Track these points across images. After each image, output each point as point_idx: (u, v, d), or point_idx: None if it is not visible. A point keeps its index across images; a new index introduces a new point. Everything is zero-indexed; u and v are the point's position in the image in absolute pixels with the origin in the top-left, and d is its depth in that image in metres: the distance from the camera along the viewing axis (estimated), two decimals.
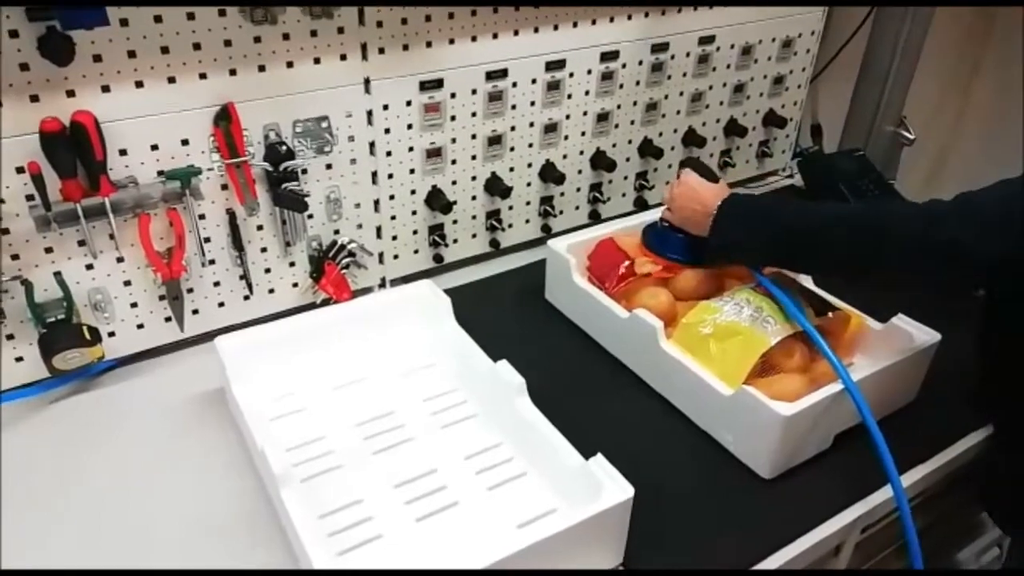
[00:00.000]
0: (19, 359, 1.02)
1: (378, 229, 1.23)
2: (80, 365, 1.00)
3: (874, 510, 0.92)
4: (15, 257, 0.96)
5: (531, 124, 1.29)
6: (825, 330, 1.00)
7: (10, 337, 1.00)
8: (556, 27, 1.23)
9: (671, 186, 1.11)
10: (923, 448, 1.00)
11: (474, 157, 1.26)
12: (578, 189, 1.42)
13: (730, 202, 1.01)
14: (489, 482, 0.91)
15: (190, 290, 1.09)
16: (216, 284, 1.11)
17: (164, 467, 0.93)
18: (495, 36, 1.18)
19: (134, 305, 1.06)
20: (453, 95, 1.19)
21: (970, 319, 0.98)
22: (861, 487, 0.93)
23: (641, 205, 1.51)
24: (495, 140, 1.27)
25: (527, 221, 1.39)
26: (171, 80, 0.96)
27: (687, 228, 1.08)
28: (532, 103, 1.27)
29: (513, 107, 1.25)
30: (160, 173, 1.00)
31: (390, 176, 1.20)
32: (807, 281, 1.12)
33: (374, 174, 1.18)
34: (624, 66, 1.34)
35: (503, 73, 1.21)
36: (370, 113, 1.13)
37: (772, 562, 0.86)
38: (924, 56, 1.59)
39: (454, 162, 1.25)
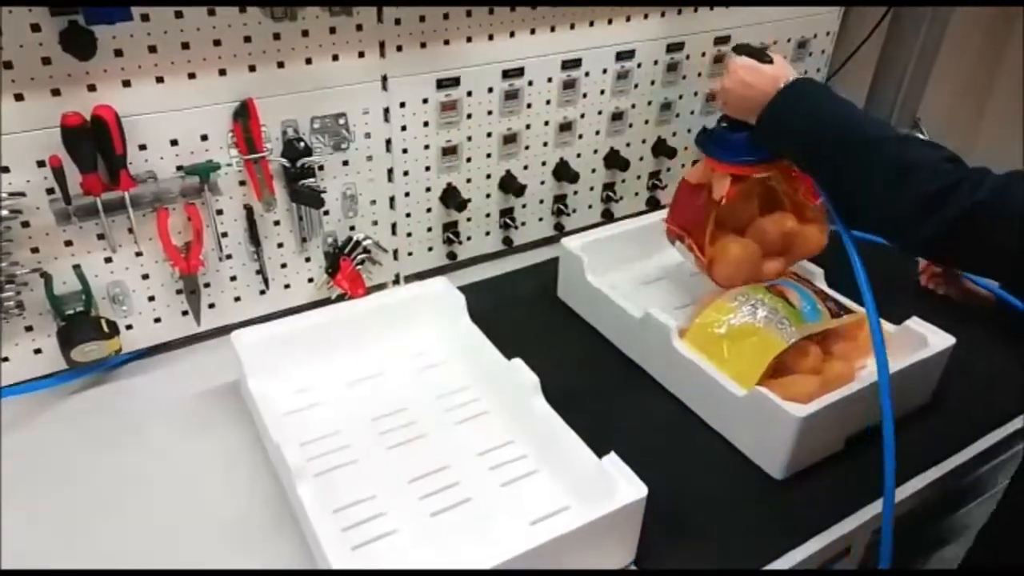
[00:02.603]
0: (38, 351, 1.03)
1: (393, 226, 1.23)
2: (98, 357, 1.01)
3: None
4: (35, 250, 0.97)
5: (546, 123, 1.29)
6: (841, 332, 1.00)
7: (29, 329, 1.01)
8: (573, 26, 1.23)
9: (722, 78, 1.00)
10: (936, 451, 1.00)
11: (489, 155, 1.27)
12: (591, 188, 1.42)
13: (795, 85, 0.90)
14: (502, 478, 0.91)
15: (207, 284, 1.10)
16: (232, 279, 1.12)
17: (179, 460, 0.94)
18: (512, 35, 1.18)
19: (151, 299, 1.07)
20: (470, 93, 1.19)
21: (986, 324, 0.98)
22: (873, 489, 0.92)
23: (654, 204, 1.51)
24: (510, 138, 1.27)
25: (540, 219, 1.39)
26: (191, 76, 0.97)
27: (746, 117, 0.96)
28: (548, 102, 1.27)
29: (529, 105, 1.26)
30: (179, 168, 1.01)
31: (406, 173, 1.20)
32: (821, 282, 1.12)
33: (390, 171, 1.18)
34: (639, 66, 1.34)
35: (519, 72, 1.22)
36: (387, 110, 1.13)
37: (783, 562, 0.87)
38: (940, 57, 1.59)
39: (469, 160, 1.25)
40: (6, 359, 1.01)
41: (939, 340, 1.02)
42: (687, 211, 1.10)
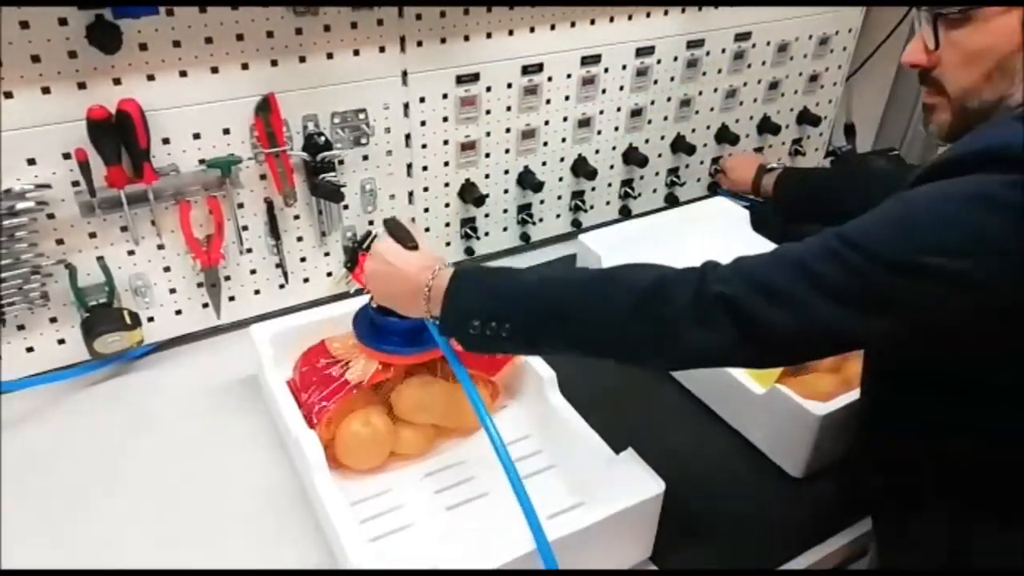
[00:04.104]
0: (61, 341, 1.04)
1: (411, 221, 1.24)
2: (120, 349, 1.02)
3: None
4: (60, 242, 0.98)
5: (565, 119, 1.29)
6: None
7: (53, 320, 1.02)
8: (593, 22, 1.23)
9: (368, 260, 0.86)
10: None
11: (507, 151, 1.27)
12: (609, 184, 1.42)
13: (462, 274, 0.77)
14: (520, 473, 0.91)
15: (227, 277, 1.11)
16: (252, 272, 1.13)
17: (198, 452, 0.95)
18: (532, 30, 1.18)
19: (173, 291, 1.08)
20: (489, 89, 1.19)
21: None
22: None
23: (672, 201, 1.50)
24: (529, 134, 1.27)
25: (558, 216, 1.39)
26: (214, 70, 0.98)
27: (396, 310, 0.85)
28: (566, 98, 1.27)
29: (548, 102, 1.26)
30: (201, 161, 1.01)
31: (424, 168, 1.20)
32: None
33: (409, 166, 1.19)
34: (659, 62, 1.33)
35: (539, 67, 1.22)
36: (407, 105, 1.14)
37: (801, 561, 0.87)
38: None
39: (487, 155, 1.25)
40: (31, 349, 1.02)
41: None
42: (312, 376, 0.94)
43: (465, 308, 0.75)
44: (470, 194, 1.25)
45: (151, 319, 1.08)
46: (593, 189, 1.40)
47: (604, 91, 1.30)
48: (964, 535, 0.76)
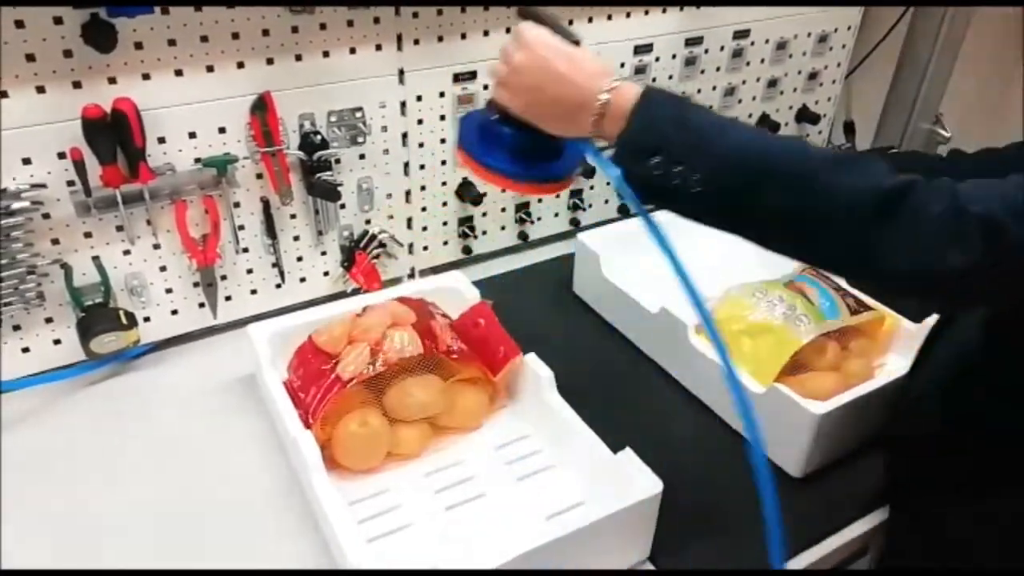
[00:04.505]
0: (57, 341, 1.03)
1: (409, 220, 1.23)
2: (116, 349, 1.01)
3: None
4: (55, 241, 0.97)
5: None
6: (860, 329, 0.99)
7: (49, 320, 1.02)
8: (591, 19, 1.22)
9: (505, 51, 0.67)
10: None
11: None
12: (608, 183, 1.41)
13: (657, 94, 0.62)
14: (517, 473, 0.91)
15: (223, 277, 1.11)
16: (249, 272, 1.13)
17: (196, 452, 0.95)
18: None
19: (169, 291, 1.08)
20: (486, 87, 1.19)
21: None
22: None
23: None
24: None
25: (556, 215, 1.39)
26: (210, 69, 0.97)
27: (538, 122, 0.67)
28: None
29: None
30: (197, 160, 1.01)
31: (422, 167, 1.20)
32: (841, 279, 1.11)
33: (406, 165, 1.18)
34: (657, 59, 1.33)
35: None
36: (404, 104, 1.13)
37: (799, 561, 0.86)
38: (963, 51, 1.57)
39: None
40: (27, 349, 1.02)
41: None
42: (305, 375, 0.92)
43: (658, 136, 0.60)
44: (468, 193, 1.24)
45: (147, 319, 1.08)
46: (592, 188, 1.39)
47: None
48: (971, 530, 0.76)
